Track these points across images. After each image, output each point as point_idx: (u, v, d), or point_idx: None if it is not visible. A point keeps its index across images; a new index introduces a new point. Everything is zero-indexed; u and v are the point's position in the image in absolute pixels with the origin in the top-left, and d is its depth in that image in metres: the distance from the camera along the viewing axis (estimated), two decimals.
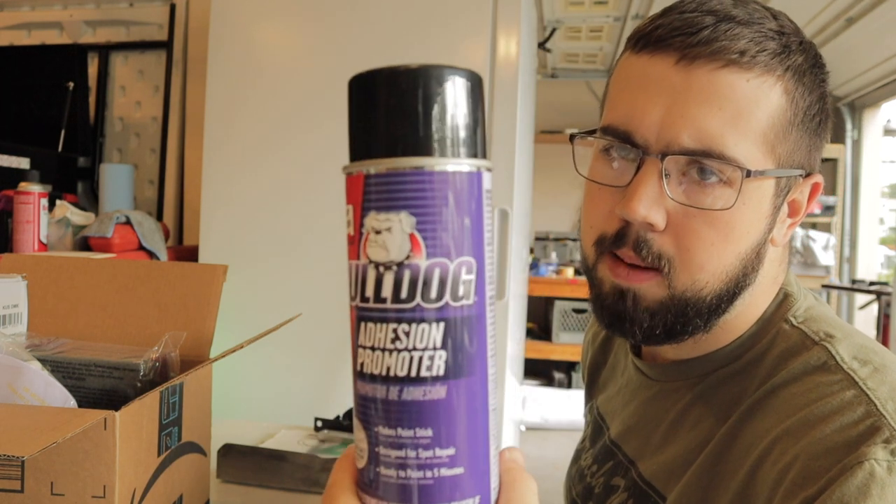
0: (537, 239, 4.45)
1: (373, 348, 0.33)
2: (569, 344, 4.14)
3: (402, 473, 0.33)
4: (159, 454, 0.70)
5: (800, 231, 4.39)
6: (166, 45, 2.41)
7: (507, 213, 1.88)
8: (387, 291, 0.32)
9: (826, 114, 0.60)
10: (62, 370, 0.75)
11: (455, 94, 0.32)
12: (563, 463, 0.98)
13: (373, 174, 0.32)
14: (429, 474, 0.32)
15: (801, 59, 0.56)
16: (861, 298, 4.10)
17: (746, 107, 0.53)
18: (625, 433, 0.69)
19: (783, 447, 0.52)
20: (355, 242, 0.33)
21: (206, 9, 2.16)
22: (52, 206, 1.82)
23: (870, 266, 4.44)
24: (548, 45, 3.64)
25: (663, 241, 0.56)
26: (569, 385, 4.16)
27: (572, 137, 0.62)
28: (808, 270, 4.39)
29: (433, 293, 0.32)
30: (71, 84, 2.29)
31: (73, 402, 0.68)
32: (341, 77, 1.92)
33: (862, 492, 0.47)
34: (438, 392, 0.32)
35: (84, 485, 0.60)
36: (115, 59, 2.51)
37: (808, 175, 0.59)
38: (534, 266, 4.25)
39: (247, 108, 2.01)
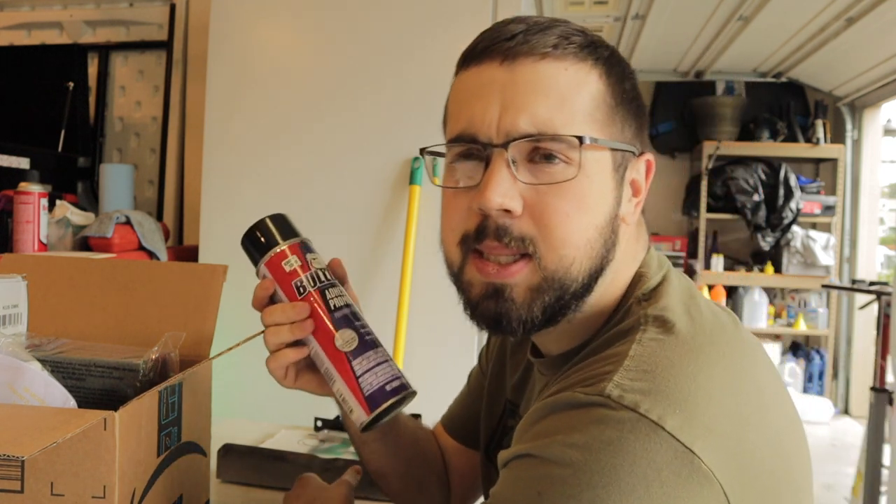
0: None
1: None
2: None
3: None
4: (159, 454, 0.70)
5: (800, 231, 4.39)
6: (166, 45, 2.41)
7: None
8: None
9: (641, 100, 0.67)
10: (62, 370, 0.75)
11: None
12: None
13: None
14: None
15: (608, 53, 0.64)
16: (861, 298, 4.10)
17: (569, 92, 0.60)
18: None
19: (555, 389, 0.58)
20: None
21: (206, 9, 2.16)
22: (52, 206, 1.82)
23: (870, 266, 4.44)
24: None
25: (522, 224, 0.60)
26: None
27: (422, 151, 0.68)
28: (808, 270, 4.39)
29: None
30: (71, 84, 2.29)
31: (72, 403, 0.68)
32: (341, 77, 1.92)
33: (552, 409, 0.55)
34: None
35: (84, 485, 0.60)
36: (115, 59, 2.51)
37: (641, 153, 0.66)
38: None
39: (247, 108, 2.00)
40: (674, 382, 0.53)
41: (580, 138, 0.59)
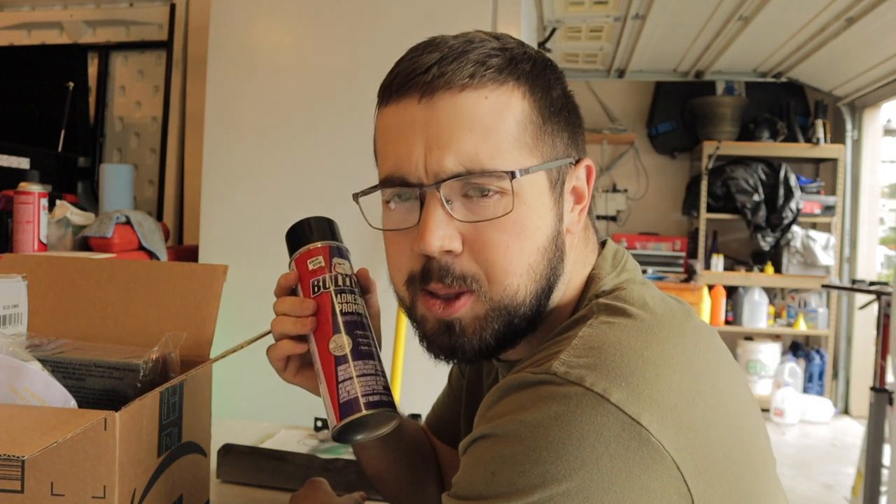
0: None
1: None
2: None
3: None
4: (159, 454, 0.70)
5: (800, 231, 4.39)
6: (166, 45, 2.41)
7: None
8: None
9: (573, 103, 0.67)
10: (62, 370, 0.75)
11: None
12: None
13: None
14: None
15: (529, 66, 0.63)
16: (861, 298, 4.10)
17: (492, 122, 0.59)
18: None
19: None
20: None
21: (206, 9, 2.16)
22: (52, 206, 1.82)
23: (870, 266, 4.44)
24: (548, 45, 3.64)
25: (464, 262, 0.61)
26: None
27: (355, 196, 0.68)
28: (808, 270, 4.39)
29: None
30: (71, 84, 2.29)
31: (73, 403, 0.68)
32: (340, 76, 1.92)
33: (505, 391, 0.56)
34: None
35: (84, 485, 0.60)
36: (115, 59, 2.51)
37: (577, 161, 0.66)
38: None
39: (247, 108, 2.00)
40: (620, 357, 0.54)
41: (511, 173, 0.59)
